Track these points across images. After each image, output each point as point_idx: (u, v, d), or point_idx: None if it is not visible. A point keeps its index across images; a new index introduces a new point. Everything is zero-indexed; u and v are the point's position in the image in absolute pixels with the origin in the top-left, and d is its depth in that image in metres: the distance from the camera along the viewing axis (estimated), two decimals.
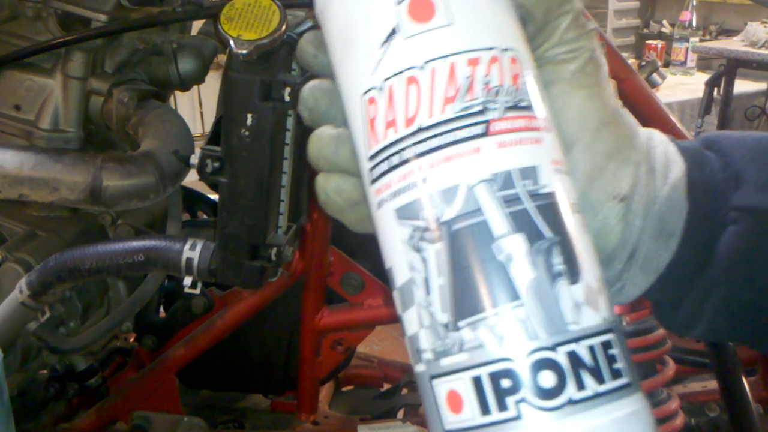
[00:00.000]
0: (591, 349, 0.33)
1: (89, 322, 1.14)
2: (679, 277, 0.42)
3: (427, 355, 0.34)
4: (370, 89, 0.36)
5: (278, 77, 0.81)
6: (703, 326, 0.43)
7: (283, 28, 0.79)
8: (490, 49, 0.35)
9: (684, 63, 4.03)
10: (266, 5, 0.80)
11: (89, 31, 1.05)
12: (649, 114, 1.10)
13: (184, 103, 3.92)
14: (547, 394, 0.32)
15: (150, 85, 1.15)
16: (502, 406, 0.32)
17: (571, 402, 0.32)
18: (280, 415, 1.45)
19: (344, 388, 1.58)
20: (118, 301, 1.19)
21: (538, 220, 0.34)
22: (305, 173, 1.13)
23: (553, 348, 0.32)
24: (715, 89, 3.59)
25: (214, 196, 1.45)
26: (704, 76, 3.76)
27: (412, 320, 0.35)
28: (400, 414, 1.38)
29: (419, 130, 0.35)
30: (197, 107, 4.35)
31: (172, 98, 1.34)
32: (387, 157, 0.36)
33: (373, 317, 1.27)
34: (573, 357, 0.32)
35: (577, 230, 0.35)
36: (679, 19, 4.11)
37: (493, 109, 0.35)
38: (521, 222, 0.33)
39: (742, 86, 3.69)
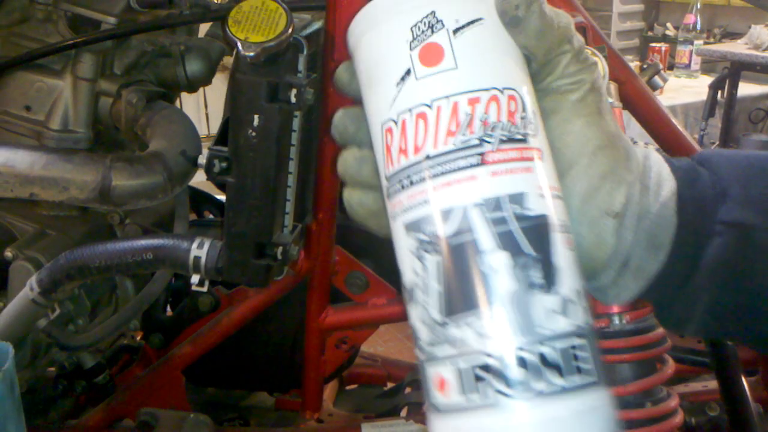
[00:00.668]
0: (559, 350, 0.38)
1: (97, 320, 1.15)
2: (669, 284, 0.46)
3: (423, 344, 0.41)
4: (388, 120, 0.43)
5: (284, 79, 0.82)
6: (694, 325, 0.48)
7: (290, 30, 0.80)
8: (490, 89, 0.41)
9: (688, 66, 4.03)
10: (273, 8, 0.81)
11: (99, 33, 1.06)
12: (650, 117, 1.11)
13: (189, 104, 3.93)
14: (517, 385, 0.37)
15: (158, 87, 1.17)
16: (479, 393, 0.38)
17: (538, 394, 0.37)
18: (284, 413, 1.45)
19: (348, 387, 1.59)
20: (126, 300, 1.20)
21: (522, 240, 0.39)
22: (311, 174, 1.14)
23: (525, 347, 0.38)
24: (719, 92, 3.58)
25: (221, 196, 1.46)
26: (708, 79, 3.76)
27: (414, 315, 0.42)
28: (404, 412, 1.38)
29: (426, 158, 0.41)
30: (203, 109, 4.36)
31: (177, 100, 1.35)
32: (400, 180, 0.42)
33: (378, 316, 1.28)
34: (542, 356, 0.38)
35: (559, 248, 0.40)
36: (683, 22, 4.11)
37: (489, 142, 0.40)
38: (506, 241, 0.39)
39: (745, 89, 3.69)
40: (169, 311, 1.46)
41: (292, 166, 0.90)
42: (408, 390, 1.43)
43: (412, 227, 0.41)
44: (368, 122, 0.45)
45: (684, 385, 1.28)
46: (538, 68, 0.44)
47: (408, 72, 0.42)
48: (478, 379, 0.38)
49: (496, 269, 0.39)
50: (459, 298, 0.39)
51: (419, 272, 0.41)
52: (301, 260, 1.20)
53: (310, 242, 1.20)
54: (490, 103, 0.41)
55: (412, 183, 0.41)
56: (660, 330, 0.74)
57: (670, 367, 0.74)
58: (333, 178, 1.11)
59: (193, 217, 1.48)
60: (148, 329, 1.37)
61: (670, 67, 4.05)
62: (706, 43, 4.11)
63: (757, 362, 1.26)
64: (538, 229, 0.40)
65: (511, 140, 0.41)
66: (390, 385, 1.59)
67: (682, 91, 3.78)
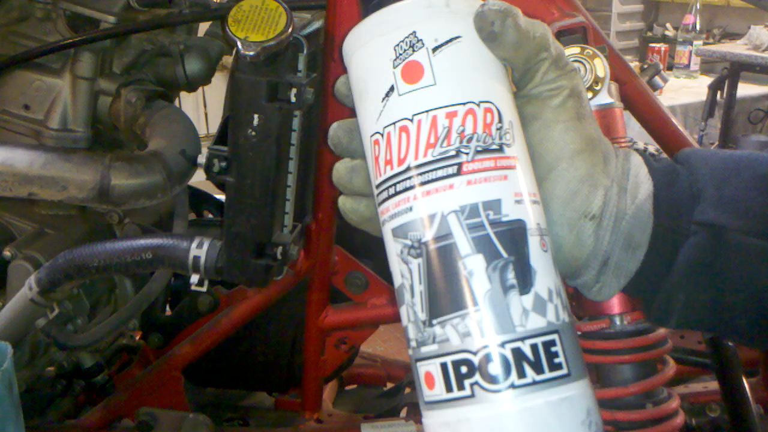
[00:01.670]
0: (533, 346, 0.41)
1: (96, 320, 1.15)
2: (647, 281, 0.49)
3: (413, 343, 0.44)
4: (375, 133, 0.46)
5: (284, 78, 0.82)
6: (675, 319, 0.50)
7: (290, 30, 0.80)
8: (466, 103, 0.44)
9: (687, 66, 4.02)
10: (273, 8, 0.81)
11: (98, 32, 1.06)
12: (650, 117, 1.10)
13: (188, 103, 3.93)
14: (495, 379, 0.41)
15: (157, 86, 1.17)
16: (460, 387, 0.41)
17: (513, 386, 0.41)
18: (284, 413, 1.45)
19: (348, 387, 1.59)
20: (125, 299, 1.20)
21: (497, 244, 0.42)
22: (310, 173, 1.14)
23: (501, 345, 0.41)
24: (719, 92, 3.58)
25: (220, 196, 1.46)
26: (707, 80, 3.76)
27: (403, 315, 0.45)
28: (403, 412, 1.38)
29: (408, 168, 0.44)
30: (202, 108, 4.36)
31: (176, 99, 1.35)
32: (386, 188, 0.45)
33: (377, 316, 1.28)
34: (517, 352, 0.41)
35: (534, 250, 0.43)
36: (682, 23, 4.11)
37: (465, 153, 0.43)
38: (482, 245, 0.42)
39: (745, 90, 3.69)
40: (168, 311, 1.46)
41: (292, 165, 0.90)
42: (407, 390, 1.43)
43: (398, 233, 0.44)
44: (360, 133, 0.48)
45: (684, 386, 1.28)
46: (519, 77, 0.47)
47: (392, 88, 0.45)
48: (460, 374, 0.41)
49: (473, 271, 0.42)
50: (441, 299, 0.42)
51: (405, 275, 0.44)
52: (301, 260, 1.20)
53: (310, 242, 1.20)
54: (467, 116, 0.43)
55: (397, 191, 0.44)
56: (661, 331, 0.74)
57: (671, 368, 0.74)
58: None
59: (192, 216, 1.48)
60: (147, 329, 1.37)
61: (670, 68, 4.05)
62: (705, 44, 4.11)
63: (757, 363, 1.26)
64: (512, 233, 0.43)
65: (486, 150, 0.43)
66: (389, 385, 1.59)
67: (682, 91, 3.78)
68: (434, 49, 0.44)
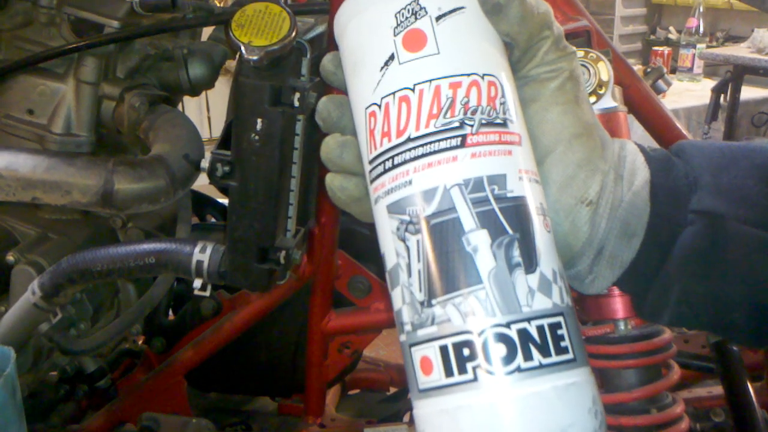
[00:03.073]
0: (540, 328, 0.39)
1: (99, 324, 1.15)
2: (642, 272, 0.47)
3: (407, 327, 0.41)
4: (371, 104, 0.43)
5: (288, 83, 0.82)
6: (669, 314, 0.49)
7: (293, 34, 0.80)
8: (470, 74, 0.42)
9: (691, 69, 4.02)
10: (276, 12, 0.81)
11: (102, 36, 1.06)
12: (654, 120, 1.10)
13: (191, 108, 3.94)
14: (500, 362, 0.38)
15: (161, 90, 1.17)
16: (462, 370, 0.39)
17: (519, 370, 0.38)
18: (287, 418, 1.45)
19: (351, 392, 1.59)
20: (128, 304, 1.20)
21: (502, 219, 0.40)
22: (314, 177, 1.14)
23: (506, 325, 0.39)
24: (722, 96, 3.58)
25: (223, 200, 1.46)
26: (711, 83, 3.76)
27: (397, 297, 0.42)
28: (406, 417, 1.38)
29: (408, 140, 0.42)
30: (205, 112, 4.36)
31: (180, 103, 1.35)
32: (382, 162, 0.43)
33: (380, 321, 1.28)
34: (523, 333, 0.39)
35: (538, 229, 0.41)
36: (685, 26, 4.11)
37: (469, 125, 0.41)
38: (487, 220, 0.40)
39: (748, 93, 3.69)
40: (171, 315, 1.46)
41: (295, 170, 0.90)
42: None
43: (395, 208, 0.42)
44: (352, 108, 0.46)
45: (688, 391, 1.28)
46: (519, 55, 0.45)
47: (392, 57, 0.43)
48: (461, 357, 0.39)
49: (477, 247, 0.39)
50: (441, 277, 0.40)
51: (402, 253, 0.41)
52: (304, 264, 1.20)
53: (313, 246, 1.19)
54: (471, 87, 0.42)
55: (394, 165, 0.42)
56: (666, 335, 0.74)
57: (676, 372, 0.73)
58: None
59: (195, 220, 1.48)
60: (150, 333, 1.37)
61: (673, 71, 4.05)
62: (708, 47, 4.11)
63: (762, 368, 1.25)
64: (517, 210, 0.41)
65: (491, 124, 0.42)
66: (393, 389, 1.58)
67: (685, 94, 3.77)
68: (437, 18, 0.43)
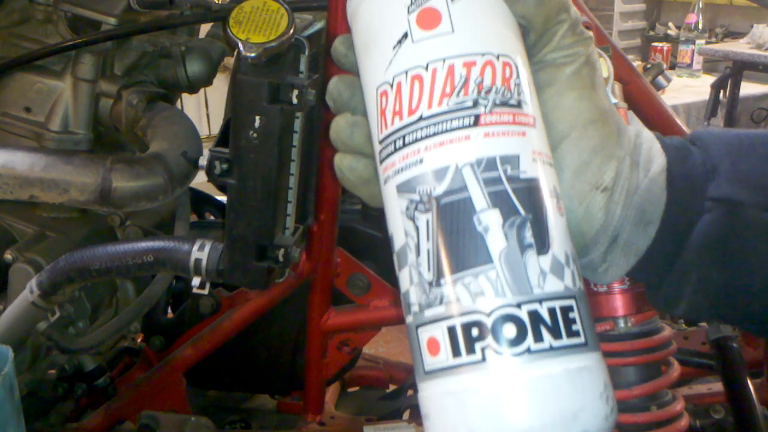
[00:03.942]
0: (551, 310, 0.38)
1: (98, 323, 1.14)
2: (658, 261, 0.46)
3: (414, 308, 0.41)
4: (383, 83, 0.43)
5: (286, 80, 0.81)
6: (684, 305, 0.47)
7: (291, 31, 0.80)
8: (485, 54, 0.41)
9: (690, 65, 4.01)
10: (274, 9, 0.81)
11: (99, 34, 1.06)
12: (654, 116, 1.10)
13: (190, 105, 3.93)
14: (509, 342, 0.38)
15: (158, 88, 1.16)
16: (470, 351, 0.38)
17: (529, 351, 0.38)
18: (286, 416, 1.45)
19: (350, 389, 1.59)
20: (126, 302, 1.20)
21: (514, 200, 0.40)
22: (312, 175, 1.13)
23: (517, 305, 0.38)
24: (721, 92, 3.57)
25: (222, 198, 1.46)
26: (710, 79, 3.75)
27: (405, 278, 0.41)
28: (406, 415, 1.38)
29: (420, 119, 0.41)
30: (203, 110, 4.36)
31: (178, 101, 1.35)
32: (393, 141, 0.42)
33: (379, 318, 1.28)
34: (534, 315, 0.38)
35: (551, 211, 0.41)
36: (685, 22, 4.10)
37: (483, 104, 0.41)
38: (499, 200, 0.39)
39: (748, 89, 3.68)
40: (170, 313, 1.46)
41: (294, 167, 0.89)
42: (410, 392, 1.43)
43: (405, 187, 0.41)
44: (363, 88, 0.46)
45: (688, 388, 1.28)
46: (535, 39, 0.45)
47: (405, 35, 0.42)
48: (469, 337, 0.38)
49: (488, 227, 0.39)
50: (450, 257, 0.39)
51: (411, 233, 0.41)
52: (303, 262, 1.20)
53: (312, 244, 1.19)
54: (486, 67, 0.41)
55: (405, 144, 0.41)
56: (666, 333, 0.74)
57: (676, 370, 0.73)
58: (334, 179, 1.10)
59: (193, 218, 1.48)
60: (148, 331, 1.37)
61: (672, 67, 4.04)
62: (708, 43, 4.10)
63: (762, 364, 1.25)
64: (530, 191, 0.40)
65: (505, 104, 0.41)
66: (392, 387, 1.58)
67: (684, 90, 3.77)
68: None
